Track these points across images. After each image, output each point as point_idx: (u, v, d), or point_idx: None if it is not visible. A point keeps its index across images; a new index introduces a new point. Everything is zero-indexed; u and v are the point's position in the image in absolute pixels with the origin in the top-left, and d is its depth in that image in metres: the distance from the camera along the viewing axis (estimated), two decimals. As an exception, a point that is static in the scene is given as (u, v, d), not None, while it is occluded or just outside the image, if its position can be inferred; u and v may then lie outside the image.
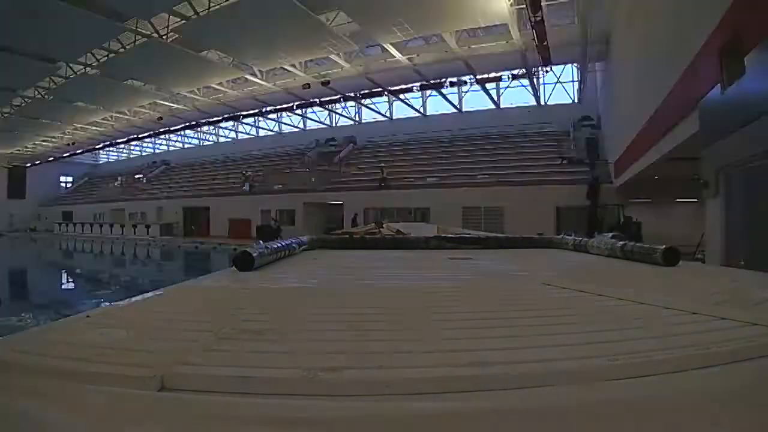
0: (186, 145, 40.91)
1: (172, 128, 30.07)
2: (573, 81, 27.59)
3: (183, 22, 16.38)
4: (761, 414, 0.92)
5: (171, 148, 41.72)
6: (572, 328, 1.58)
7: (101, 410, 0.90)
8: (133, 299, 2.10)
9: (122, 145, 38.39)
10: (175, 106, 27.28)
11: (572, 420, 0.89)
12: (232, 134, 38.21)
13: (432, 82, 22.84)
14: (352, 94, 23.78)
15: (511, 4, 15.23)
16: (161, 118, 28.39)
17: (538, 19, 13.06)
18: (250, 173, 29.29)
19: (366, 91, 23.84)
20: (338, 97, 23.85)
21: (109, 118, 31.24)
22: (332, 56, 20.72)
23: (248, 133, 37.62)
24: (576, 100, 27.76)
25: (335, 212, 28.66)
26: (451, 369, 1.12)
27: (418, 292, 2.47)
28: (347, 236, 6.52)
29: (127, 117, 29.67)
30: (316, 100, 25.10)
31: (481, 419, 0.88)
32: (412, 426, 0.86)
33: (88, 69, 20.46)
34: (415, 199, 24.50)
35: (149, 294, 2.19)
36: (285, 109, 27.29)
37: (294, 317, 1.79)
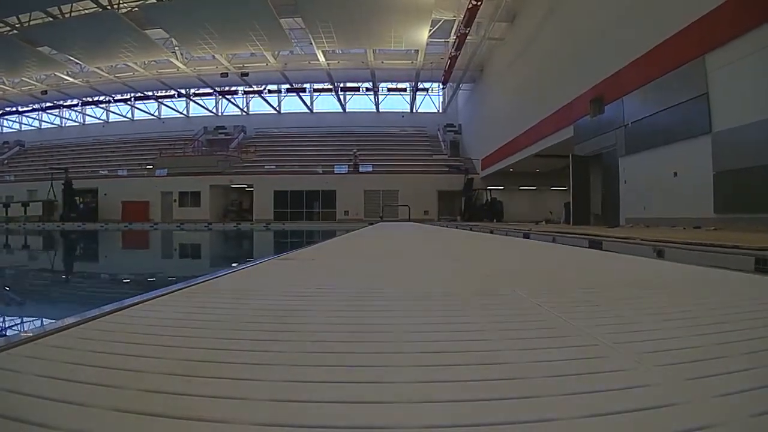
0: (44, 126, 35.89)
1: (63, 104, 27.35)
2: (438, 95, 35.03)
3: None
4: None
5: (24, 128, 36.01)
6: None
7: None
8: None
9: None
10: (70, 80, 25.19)
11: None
12: (104, 116, 35.38)
13: (350, 85, 27.15)
14: (275, 87, 26.36)
15: (428, 37, 20.68)
16: (45, 92, 25.66)
17: (456, 53, 18.90)
18: (158, 155, 28.76)
19: (287, 86, 26.73)
20: (263, 88, 26.16)
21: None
22: (266, 53, 23.18)
23: (125, 116, 35.45)
24: (440, 110, 35.33)
25: (238, 195, 30.52)
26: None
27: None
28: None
29: (4, 87, 25.75)
30: (238, 89, 26.84)
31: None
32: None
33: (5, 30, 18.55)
34: (322, 183, 28.43)
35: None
36: (202, 95, 28.06)
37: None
